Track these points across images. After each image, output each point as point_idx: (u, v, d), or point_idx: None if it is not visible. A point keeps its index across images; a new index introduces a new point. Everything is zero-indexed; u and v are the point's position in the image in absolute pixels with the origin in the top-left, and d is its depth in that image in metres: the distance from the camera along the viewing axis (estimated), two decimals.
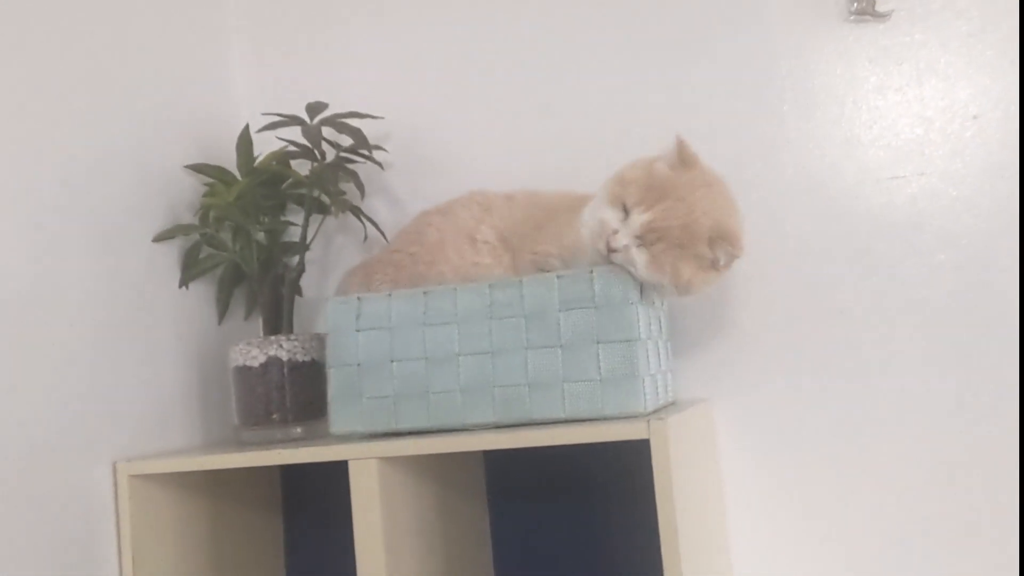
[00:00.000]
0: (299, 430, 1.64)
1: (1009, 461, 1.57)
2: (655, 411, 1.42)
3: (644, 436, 1.27)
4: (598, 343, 1.39)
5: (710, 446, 1.66)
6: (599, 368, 1.39)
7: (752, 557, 1.68)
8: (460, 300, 1.46)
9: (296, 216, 1.80)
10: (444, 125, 1.90)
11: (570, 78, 1.82)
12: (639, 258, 1.40)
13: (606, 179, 1.47)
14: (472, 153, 1.86)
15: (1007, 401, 1.58)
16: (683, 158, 1.42)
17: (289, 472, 1.86)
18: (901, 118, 1.65)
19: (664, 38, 1.77)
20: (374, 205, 1.89)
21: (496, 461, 1.79)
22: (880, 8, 1.62)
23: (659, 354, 1.52)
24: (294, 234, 1.80)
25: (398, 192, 1.89)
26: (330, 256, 1.92)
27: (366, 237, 1.85)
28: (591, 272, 1.40)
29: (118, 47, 1.69)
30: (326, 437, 1.55)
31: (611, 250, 1.40)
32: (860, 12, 1.62)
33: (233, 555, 1.72)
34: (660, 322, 1.56)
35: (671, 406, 1.54)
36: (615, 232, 1.40)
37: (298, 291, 1.86)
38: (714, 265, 1.40)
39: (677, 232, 1.39)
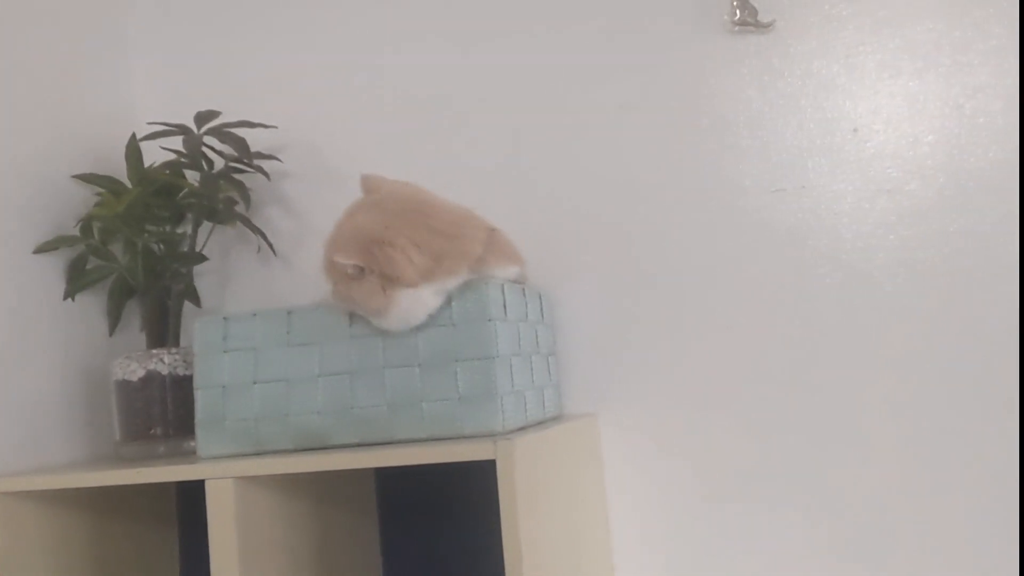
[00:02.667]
0: (175, 446, 1.64)
1: (894, 471, 1.58)
2: (521, 428, 1.41)
3: (491, 457, 1.25)
4: (456, 361, 1.37)
5: (592, 460, 1.65)
6: (457, 387, 1.36)
7: (637, 570, 1.66)
8: (322, 320, 1.43)
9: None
10: (341, 135, 1.89)
11: (465, 88, 1.82)
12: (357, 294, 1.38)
13: None
14: (369, 163, 1.81)
15: (887, 410, 1.58)
16: (365, 188, 1.45)
17: (184, 487, 1.82)
18: (784, 130, 1.63)
19: (550, 49, 1.77)
20: (271, 214, 1.87)
21: (388, 478, 1.78)
22: (762, 19, 1.58)
23: (531, 370, 1.50)
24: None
25: (296, 202, 1.87)
26: (229, 266, 1.90)
27: (259, 248, 1.81)
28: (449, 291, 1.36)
29: (6, 54, 1.67)
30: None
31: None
32: (742, 23, 1.60)
33: (122, 573, 1.69)
34: (536, 337, 1.53)
35: (549, 421, 1.55)
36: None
37: (196, 302, 1.83)
38: (360, 274, 1.34)
39: (324, 252, 1.38)
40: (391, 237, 1.33)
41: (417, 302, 1.36)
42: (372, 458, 1.31)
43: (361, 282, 1.34)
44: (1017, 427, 1.50)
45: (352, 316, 1.41)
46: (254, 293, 1.91)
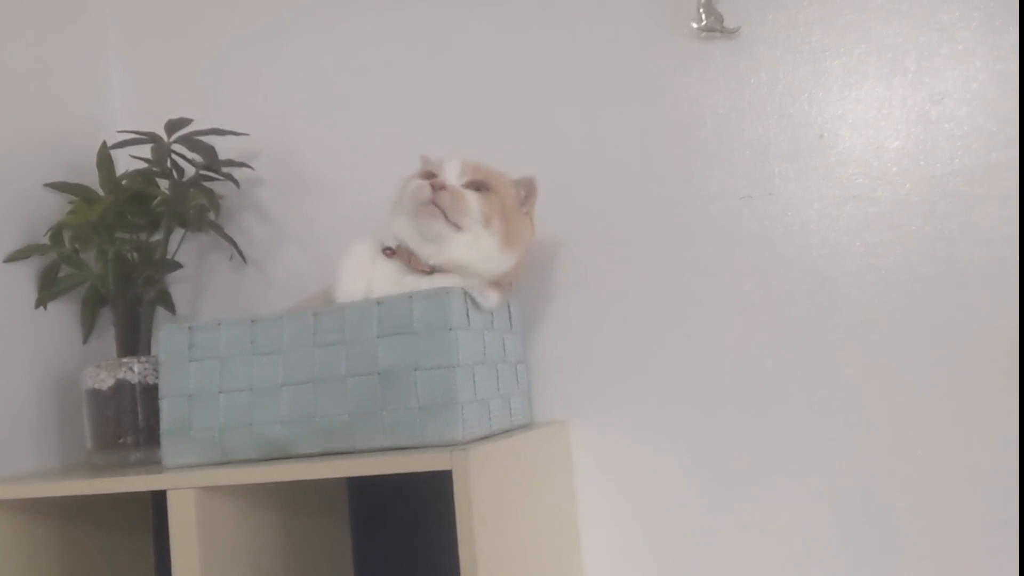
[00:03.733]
0: (146, 455, 1.65)
1: (863, 477, 1.59)
2: (484, 437, 1.41)
3: (447, 467, 1.24)
4: (416, 370, 1.36)
5: (562, 468, 1.65)
6: (417, 395, 1.36)
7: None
8: (286, 328, 1.44)
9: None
10: (313, 143, 1.90)
11: (434, 95, 1.83)
12: (469, 194, 1.43)
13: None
14: (341, 170, 1.83)
15: (856, 415, 1.59)
16: (528, 193, 1.55)
17: (158, 495, 1.79)
18: (751, 136, 1.63)
19: (520, 55, 1.78)
20: (245, 221, 1.88)
21: (360, 486, 1.79)
22: (728, 25, 1.58)
23: (497, 378, 1.50)
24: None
25: (269, 208, 1.87)
26: (203, 273, 1.91)
27: (232, 256, 1.81)
28: (410, 297, 1.37)
29: None
30: None
31: (437, 188, 1.42)
32: (708, 29, 1.60)
33: None
34: (503, 345, 1.54)
35: (517, 429, 1.55)
36: (436, 177, 1.43)
37: (170, 308, 1.84)
38: (517, 199, 1.48)
39: (485, 169, 1.48)
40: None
41: (502, 266, 1.49)
42: (329, 468, 1.31)
43: (519, 213, 1.49)
44: (983, 427, 1.51)
45: (341, 325, 1.43)
46: (227, 300, 1.92)
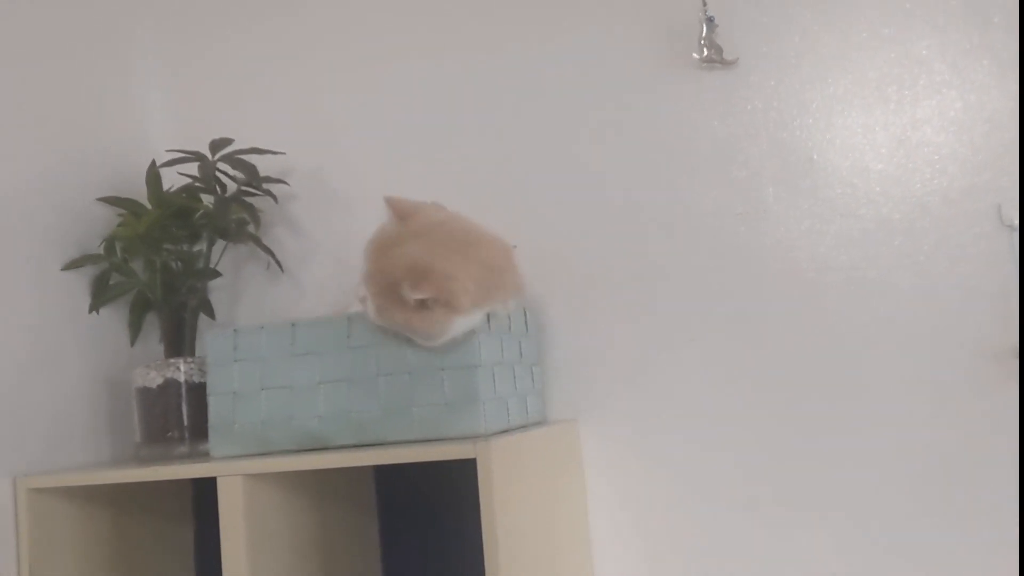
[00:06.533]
0: (191, 448, 1.77)
1: (860, 476, 1.72)
2: (503, 431, 1.55)
3: (472, 456, 1.39)
4: (442, 370, 1.50)
5: (572, 463, 1.79)
6: (443, 393, 1.50)
7: (615, 567, 1.81)
8: (323, 332, 1.57)
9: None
10: (344, 159, 2.04)
11: (459, 114, 1.98)
12: (370, 309, 1.51)
13: None
14: (369, 185, 1.99)
15: (846, 427, 1.72)
16: (398, 213, 1.53)
17: (199, 484, 1.96)
18: (746, 158, 1.79)
19: (537, 85, 1.93)
20: (280, 233, 2.03)
21: (386, 475, 1.93)
22: (727, 56, 1.73)
23: (514, 378, 1.64)
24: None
25: (303, 222, 2.02)
26: (240, 281, 2.05)
27: (268, 265, 1.97)
28: None
29: (34, 86, 1.83)
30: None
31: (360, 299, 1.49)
32: (708, 60, 1.73)
33: (140, 565, 1.84)
34: (520, 348, 1.68)
35: (532, 425, 1.68)
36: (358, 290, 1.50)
37: (210, 314, 1.99)
38: (422, 305, 1.44)
39: (379, 279, 1.48)
40: (453, 271, 1.45)
41: (465, 325, 1.49)
42: (364, 457, 1.45)
43: (422, 312, 1.45)
44: (962, 429, 1.66)
45: (373, 329, 1.55)
46: (264, 306, 2.06)
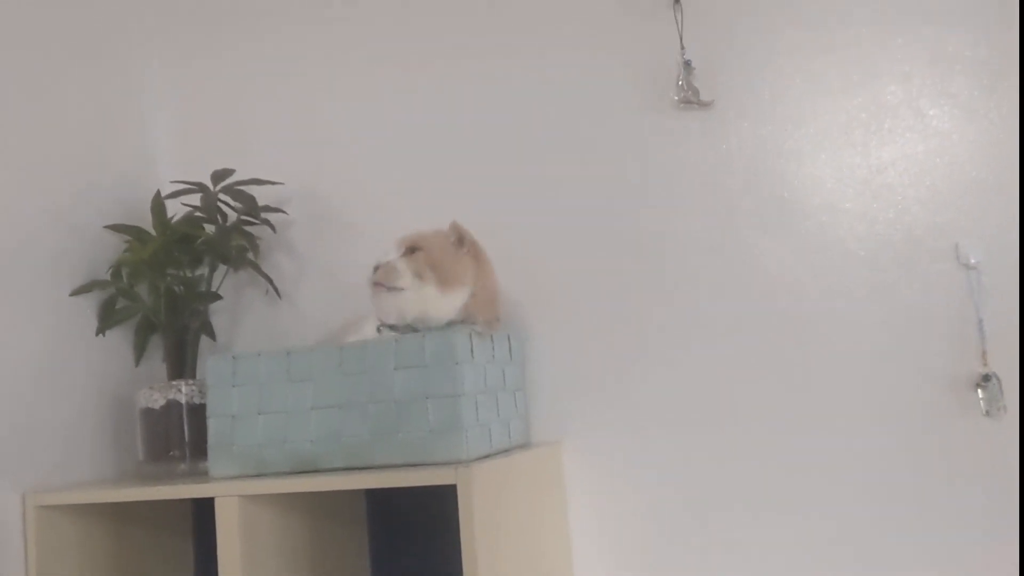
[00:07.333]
0: (192, 466, 1.86)
1: (853, 490, 1.79)
2: (485, 456, 1.62)
3: (452, 481, 1.46)
4: (427, 398, 1.59)
5: (555, 484, 1.86)
6: (428, 420, 1.58)
7: None
8: (316, 360, 1.66)
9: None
10: (339, 189, 2.14)
11: (446, 152, 2.07)
12: (399, 263, 1.67)
13: None
14: (363, 214, 2.11)
15: (820, 449, 1.80)
16: (459, 237, 1.71)
17: (200, 502, 2.05)
18: (722, 194, 1.87)
19: (524, 122, 2.03)
20: (278, 259, 2.12)
21: (377, 496, 2.00)
22: (704, 98, 1.82)
23: (497, 404, 1.72)
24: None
25: (300, 248, 2.12)
26: (240, 305, 2.14)
27: (267, 291, 2.07)
28: (423, 336, 1.61)
29: (47, 119, 1.93)
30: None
31: (375, 270, 1.68)
32: (686, 101, 1.82)
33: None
34: (503, 375, 1.76)
35: (515, 449, 1.76)
36: (376, 262, 1.67)
37: (211, 335, 2.08)
38: (457, 255, 1.69)
39: (417, 236, 1.71)
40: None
41: (453, 304, 1.68)
42: (350, 481, 1.53)
43: (457, 255, 1.69)
44: (931, 447, 1.73)
45: (363, 358, 1.64)
46: (262, 329, 2.15)
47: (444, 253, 1.68)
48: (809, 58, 1.83)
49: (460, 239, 1.69)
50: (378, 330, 1.69)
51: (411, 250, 1.66)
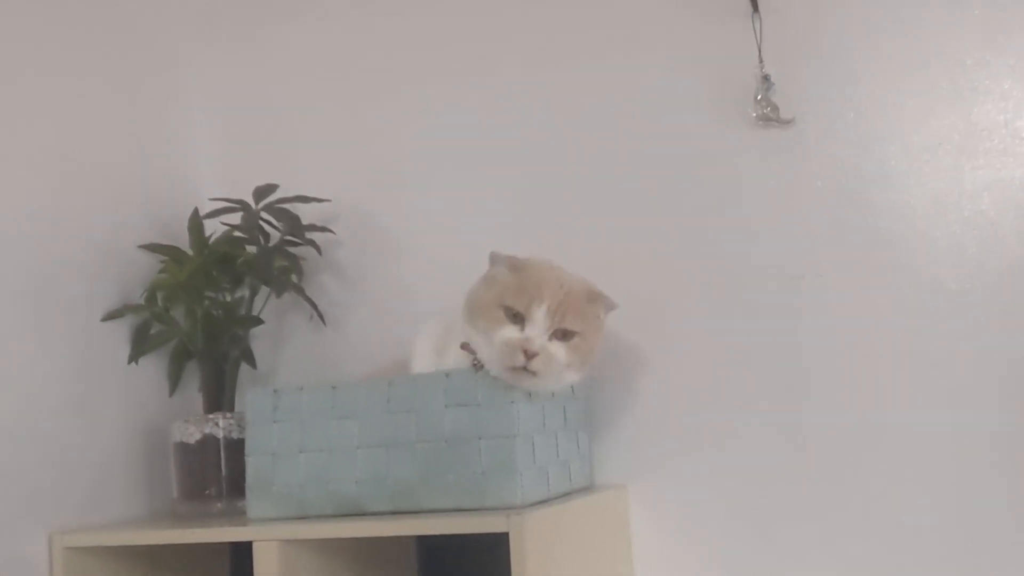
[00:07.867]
0: (228, 505, 1.76)
1: (913, 532, 1.67)
2: (542, 501, 1.52)
3: (504, 529, 1.37)
4: (479, 439, 1.49)
5: (620, 532, 1.75)
6: (480, 461, 1.48)
7: None
8: (362, 395, 1.56)
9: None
10: (390, 208, 2.02)
11: (505, 169, 1.95)
12: (558, 351, 1.50)
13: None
14: (416, 234, 1.99)
15: (900, 495, 1.68)
16: (513, 265, 1.53)
17: (237, 545, 1.89)
18: (801, 219, 1.75)
19: (594, 140, 1.90)
20: (324, 281, 2.02)
21: (428, 540, 1.87)
22: (784, 115, 1.71)
23: (556, 445, 1.61)
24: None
25: (348, 270, 2.01)
26: (283, 330, 2.03)
27: (311, 316, 1.94)
28: (477, 372, 1.49)
29: (79, 134, 1.84)
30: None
31: (529, 355, 1.47)
32: (764, 118, 1.70)
33: None
34: (564, 413, 1.65)
35: (576, 493, 1.66)
36: (527, 339, 1.49)
37: (252, 363, 1.97)
38: (597, 319, 1.54)
39: (569, 300, 1.49)
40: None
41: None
42: (396, 527, 1.46)
43: (597, 331, 1.55)
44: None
45: (413, 394, 1.55)
46: (306, 356, 2.04)
47: (597, 336, 1.56)
48: (897, 72, 1.70)
49: (606, 311, 1.58)
50: (473, 366, 1.53)
51: (566, 334, 1.49)
